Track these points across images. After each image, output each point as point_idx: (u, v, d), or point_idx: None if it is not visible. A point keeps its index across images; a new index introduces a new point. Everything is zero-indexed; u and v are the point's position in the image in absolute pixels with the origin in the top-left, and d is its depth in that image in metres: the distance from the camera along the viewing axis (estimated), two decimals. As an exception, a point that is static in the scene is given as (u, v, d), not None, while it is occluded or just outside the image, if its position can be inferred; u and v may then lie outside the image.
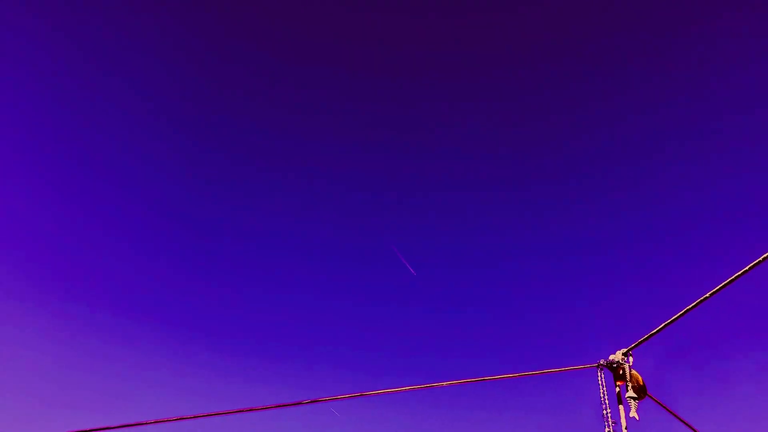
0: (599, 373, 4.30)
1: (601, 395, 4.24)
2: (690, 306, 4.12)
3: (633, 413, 4.11)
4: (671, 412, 4.56)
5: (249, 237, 20.86)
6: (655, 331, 4.19)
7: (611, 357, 4.30)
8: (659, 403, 4.47)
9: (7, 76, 17.58)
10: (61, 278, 19.05)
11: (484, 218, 21.19)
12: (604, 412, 4.18)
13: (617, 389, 4.25)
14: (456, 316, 20.66)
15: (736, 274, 3.88)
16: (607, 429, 4.14)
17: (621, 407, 4.20)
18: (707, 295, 3.97)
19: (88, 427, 4.19)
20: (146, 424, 4.17)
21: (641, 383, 4.20)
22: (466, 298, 20.91)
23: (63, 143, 19.14)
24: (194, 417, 4.25)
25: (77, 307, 18.56)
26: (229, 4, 19.77)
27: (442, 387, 4.42)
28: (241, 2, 19.84)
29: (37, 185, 18.81)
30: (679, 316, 4.16)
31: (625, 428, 4.13)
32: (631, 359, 4.26)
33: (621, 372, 4.24)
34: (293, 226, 20.90)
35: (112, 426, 4.20)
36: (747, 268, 3.78)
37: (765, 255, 3.74)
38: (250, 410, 4.33)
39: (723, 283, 3.96)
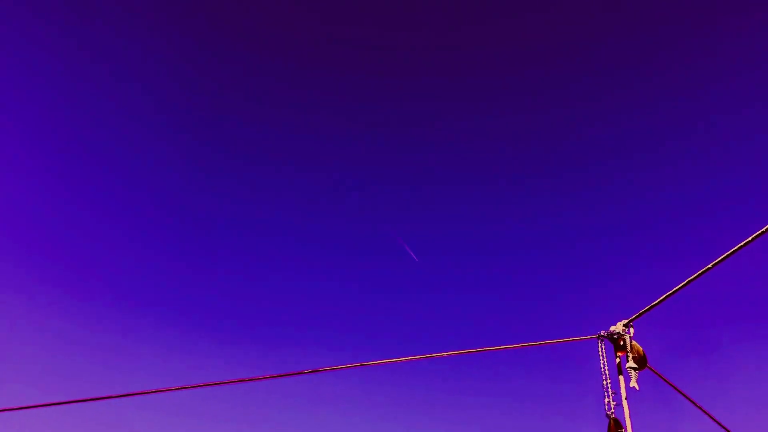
0: (600, 344, 4.31)
1: (602, 366, 4.25)
2: (691, 278, 4.12)
3: (633, 383, 4.12)
4: (670, 384, 4.59)
5: (254, 224, 20.89)
6: (656, 302, 4.20)
7: (612, 328, 4.31)
8: (659, 375, 4.49)
9: (8, 73, 17.43)
10: (62, 270, 19.02)
11: (483, 194, 21.27)
12: (604, 382, 4.20)
13: (618, 360, 4.26)
14: (457, 287, 20.86)
15: (738, 246, 3.87)
16: (607, 399, 4.16)
17: (621, 378, 4.21)
18: (709, 266, 3.97)
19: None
20: (157, 392, 4.16)
21: (642, 354, 4.21)
22: (466, 269, 21.07)
23: (63, 139, 19.06)
24: (195, 386, 4.24)
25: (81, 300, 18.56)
26: (229, 2, 19.65)
27: (443, 358, 4.43)
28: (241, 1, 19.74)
29: (37, 179, 18.71)
30: (680, 288, 4.16)
31: (625, 398, 4.15)
32: (632, 330, 4.27)
33: (622, 343, 4.25)
34: (297, 212, 20.97)
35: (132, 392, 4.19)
36: (750, 239, 3.78)
37: (764, 228, 3.74)
38: (251, 380, 4.33)
39: (724, 255, 3.96)
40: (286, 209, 21.07)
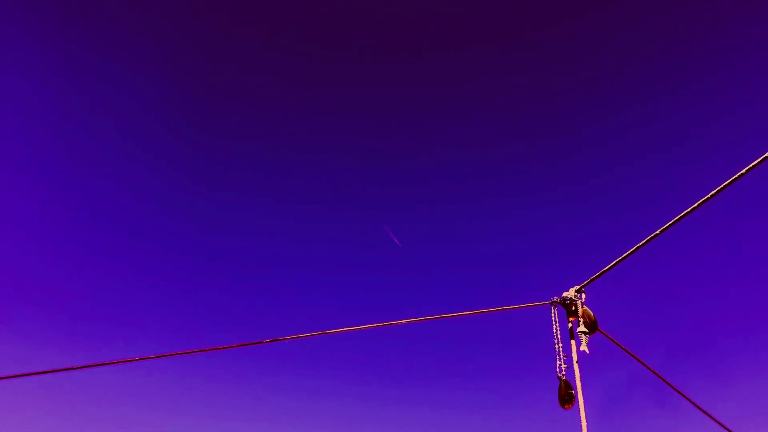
0: (552, 310, 4.43)
1: (554, 331, 4.38)
2: (640, 244, 4.24)
3: (584, 347, 4.27)
4: (620, 346, 4.76)
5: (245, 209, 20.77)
6: (606, 268, 4.32)
7: (564, 294, 4.43)
8: (609, 338, 4.65)
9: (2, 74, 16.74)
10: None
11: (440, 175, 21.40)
12: (556, 346, 4.34)
13: (570, 325, 4.39)
14: (415, 259, 21.15)
15: (686, 211, 3.99)
16: (558, 362, 4.31)
17: (573, 342, 4.35)
18: (656, 232, 4.09)
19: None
20: (117, 363, 4.13)
21: (593, 319, 4.35)
22: (425, 233, 21.34)
23: (56, 142, 18.50)
24: (159, 357, 4.23)
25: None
26: (227, 3, 19.13)
27: (400, 325, 4.50)
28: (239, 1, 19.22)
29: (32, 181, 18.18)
30: (629, 254, 4.28)
31: (576, 362, 4.30)
32: (583, 296, 4.39)
33: (573, 308, 4.37)
34: (285, 195, 20.89)
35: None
36: (697, 204, 3.90)
37: (714, 191, 3.85)
38: (215, 349, 4.34)
39: (673, 221, 4.08)
40: (279, 196, 20.98)
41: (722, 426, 5.85)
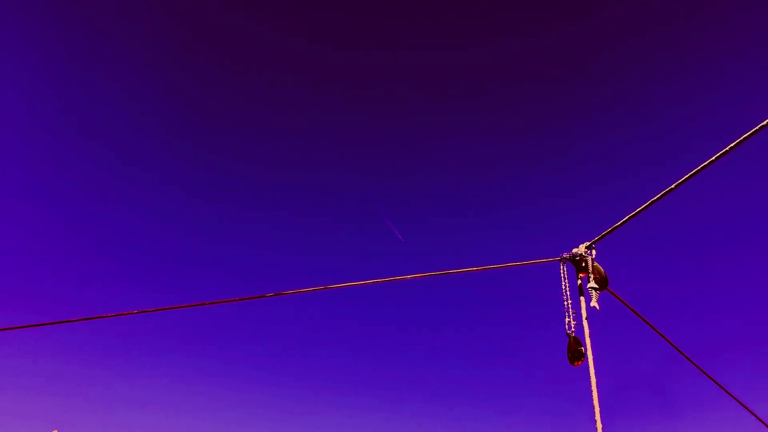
0: (562, 266, 4.34)
1: (563, 287, 4.29)
2: (652, 200, 4.15)
3: (594, 303, 4.18)
4: (628, 306, 4.68)
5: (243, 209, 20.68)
6: (618, 224, 4.23)
7: (574, 250, 4.34)
8: (618, 298, 4.57)
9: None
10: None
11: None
12: (566, 303, 4.25)
13: (579, 281, 4.31)
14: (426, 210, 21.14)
15: (697, 169, 3.90)
16: (567, 319, 4.23)
17: (582, 298, 4.27)
18: (672, 187, 3.99)
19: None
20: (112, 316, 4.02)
21: (603, 275, 4.26)
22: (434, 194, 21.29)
23: (54, 144, 18.33)
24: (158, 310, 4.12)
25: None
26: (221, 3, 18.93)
27: (406, 281, 4.40)
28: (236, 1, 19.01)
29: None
30: (640, 211, 4.19)
31: (585, 318, 4.22)
32: (593, 252, 4.31)
33: (584, 264, 4.28)
34: (288, 192, 20.84)
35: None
36: (710, 161, 3.80)
37: (723, 151, 3.76)
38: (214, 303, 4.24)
39: (684, 178, 3.99)
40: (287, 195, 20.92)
41: (736, 400, 5.81)
